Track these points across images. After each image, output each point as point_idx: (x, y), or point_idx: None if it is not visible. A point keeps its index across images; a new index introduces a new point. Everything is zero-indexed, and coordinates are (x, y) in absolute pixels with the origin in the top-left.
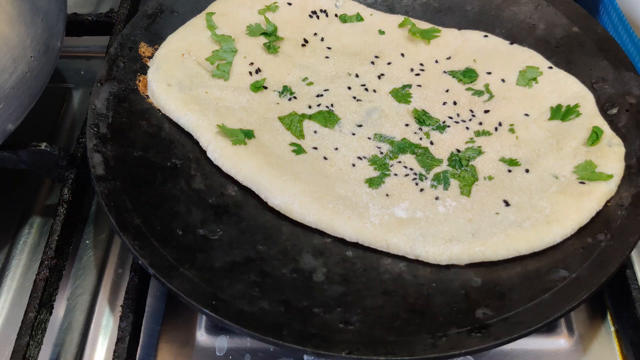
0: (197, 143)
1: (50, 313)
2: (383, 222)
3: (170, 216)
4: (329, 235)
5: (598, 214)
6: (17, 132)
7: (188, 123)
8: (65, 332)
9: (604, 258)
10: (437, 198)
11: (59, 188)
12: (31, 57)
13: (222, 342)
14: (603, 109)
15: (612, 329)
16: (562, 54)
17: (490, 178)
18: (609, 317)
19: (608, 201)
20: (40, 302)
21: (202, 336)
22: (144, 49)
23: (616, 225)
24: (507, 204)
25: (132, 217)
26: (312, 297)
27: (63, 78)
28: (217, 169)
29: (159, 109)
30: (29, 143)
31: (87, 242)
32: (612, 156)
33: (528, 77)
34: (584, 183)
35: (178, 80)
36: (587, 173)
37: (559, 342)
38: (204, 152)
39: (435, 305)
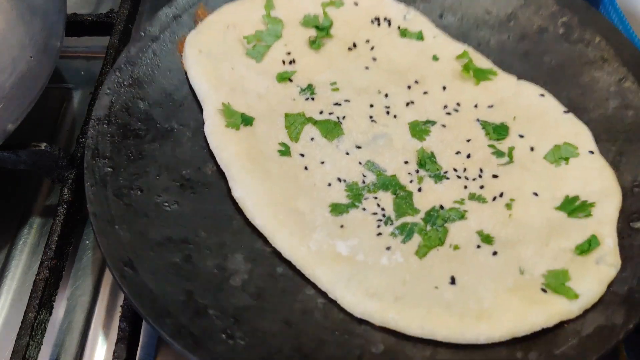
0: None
1: (50, 313)
2: (320, 251)
3: (139, 174)
4: (271, 245)
5: (544, 331)
6: (17, 132)
7: (200, 91)
8: (65, 332)
9: None
10: (388, 248)
11: (59, 188)
12: (30, 57)
13: None
14: (628, 219)
15: None
16: (619, 141)
17: (455, 247)
18: None
19: (566, 322)
20: (40, 302)
21: None
22: (201, 10)
23: (557, 352)
24: (453, 281)
25: (104, 163)
26: (216, 298)
27: (63, 78)
28: (207, 144)
29: (185, 71)
30: (29, 143)
31: (87, 242)
32: (592, 275)
33: (560, 155)
34: (545, 291)
35: (210, 50)
36: (555, 283)
37: None
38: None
39: (322, 355)
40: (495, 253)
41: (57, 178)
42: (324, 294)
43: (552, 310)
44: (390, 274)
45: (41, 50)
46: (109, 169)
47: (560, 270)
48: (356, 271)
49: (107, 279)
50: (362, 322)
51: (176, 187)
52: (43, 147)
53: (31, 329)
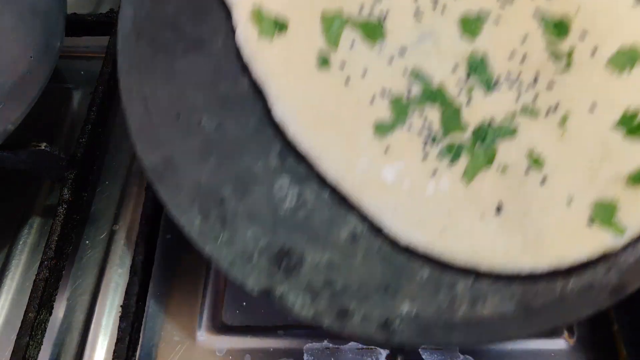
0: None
1: (50, 313)
2: (365, 180)
3: (176, 95)
4: (315, 170)
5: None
6: (17, 132)
7: None
8: (65, 332)
9: (553, 308)
10: (434, 173)
11: (59, 188)
12: (31, 57)
13: (222, 342)
14: None
15: (613, 329)
16: None
17: (503, 170)
18: (609, 317)
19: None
20: (40, 302)
21: (202, 336)
22: None
23: (596, 283)
24: (499, 209)
25: (140, 84)
26: (267, 230)
27: (63, 78)
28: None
29: None
30: (29, 143)
31: (87, 242)
32: None
33: (624, 60)
34: (591, 223)
35: None
36: (602, 215)
37: (559, 342)
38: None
39: (371, 283)
40: (544, 180)
41: (57, 178)
42: (369, 221)
43: (596, 245)
44: (436, 203)
45: (41, 51)
46: (147, 90)
47: (608, 202)
48: (402, 201)
49: (107, 279)
50: (407, 249)
51: (215, 108)
52: (43, 147)
53: (31, 329)
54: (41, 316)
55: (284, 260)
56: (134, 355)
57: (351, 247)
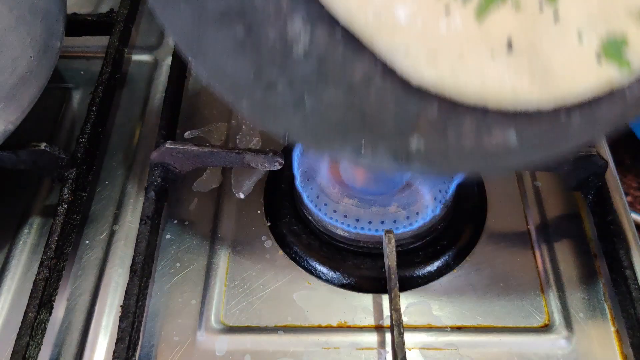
0: None
1: (50, 313)
2: (378, 21)
3: None
4: (326, 10)
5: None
6: (17, 132)
7: None
8: (65, 332)
9: (555, 140)
10: (447, 11)
11: (59, 188)
12: (30, 57)
13: (222, 343)
14: None
15: (612, 329)
16: None
17: (517, 5)
18: (609, 317)
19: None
20: (40, 302)
21: (202, 336)
22: None
23: (599, 116)
24: (510, 46)
25: None
26: (282, 71)
27: (63, 78)
28: None
29: None
30: (29, 143)
31: (87, 242)
32: None
33: None
34: (599, 59)
35: None
36: (611, 50)
37: (559, 342)
38: None
39: (383, 117)
40: (556, 16)
41: (57, 178)
42: (382, 62)
43: (604, 80)
44: (448, 43)
45: (41, 51)
46: None
47: (619, 37)
48: (414, 41)
49: (107, 279)
50: (418, 89)
51: None
52: (43, 147)
53: (31, 329)
54: (41, 316)
55: (300, 102)
56: (134, 355)
57: (364, 88)
